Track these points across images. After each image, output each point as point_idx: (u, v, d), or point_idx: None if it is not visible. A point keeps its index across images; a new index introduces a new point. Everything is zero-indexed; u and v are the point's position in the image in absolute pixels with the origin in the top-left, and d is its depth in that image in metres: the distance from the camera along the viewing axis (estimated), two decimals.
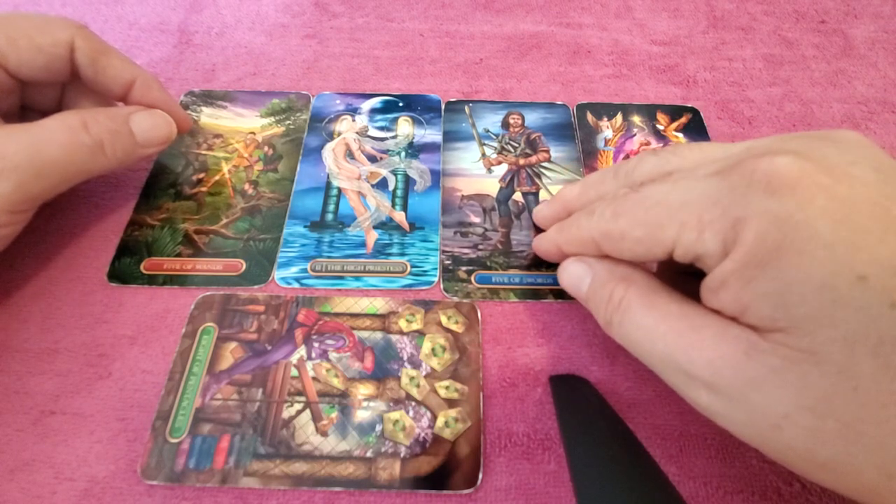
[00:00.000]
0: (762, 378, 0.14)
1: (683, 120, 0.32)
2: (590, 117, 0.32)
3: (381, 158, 0.30)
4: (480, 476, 0.20)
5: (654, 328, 0.17)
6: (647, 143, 0.30)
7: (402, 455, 0.21)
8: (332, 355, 0.23)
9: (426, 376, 0.22)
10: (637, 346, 0.18)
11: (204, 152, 0.29)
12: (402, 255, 0.26)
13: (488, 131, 0.31)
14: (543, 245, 0.24)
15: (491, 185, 0.29)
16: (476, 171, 0.29)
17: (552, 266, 0.26)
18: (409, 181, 0.29)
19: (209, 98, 0.32)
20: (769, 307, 0.14)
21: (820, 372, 0.14)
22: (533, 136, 0.31)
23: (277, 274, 0.25)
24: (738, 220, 0.15)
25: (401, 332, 0.23)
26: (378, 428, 0.21)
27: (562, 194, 0.24)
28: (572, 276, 0.21)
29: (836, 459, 0.14)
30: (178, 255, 0.25)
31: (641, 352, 0.18)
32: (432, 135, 0.31)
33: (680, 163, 0.19)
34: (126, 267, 0.25)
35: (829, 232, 0.13)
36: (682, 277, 0.20)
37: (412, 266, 0.25)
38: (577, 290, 0.21)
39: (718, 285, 0.16)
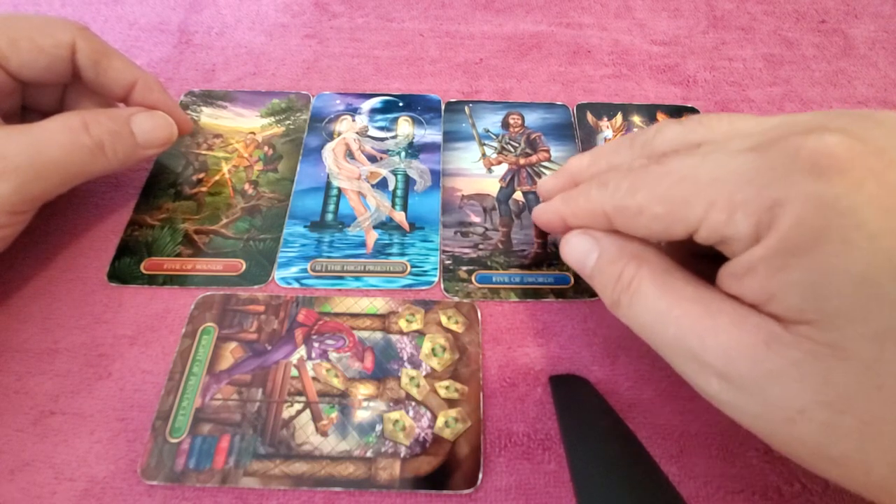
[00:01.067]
0: (781, 370, 0.14)
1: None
2: (590, 117, 0.32)
3: (381, 158, 0.30)
4: (480, 476, 0.20)
5: (666, 312, 0.16)
6: None
7: (402, 455, 0.21)
8: (332, 355, 0.23)
9: (426, 376, 0.22)
10: (646, 330, 0.17)
11: (204, 152, 0.29)
12: (402, 255, 0.26)
13: (488, 131, 0.31)
14: (545, 215, 0.22)
15: (491, 185, 0.29)
16: (476, 171, 0.29)
17: (553, 265, 0.26)
18: (409, 181, 0.29)
19: (209, 98, 0.32)
20: (799, 298, 0.13)
21: (845, 368, 0.13)
22: (533, 136, 0.31)
23: (277, 274, 0.25)
24: (776, 202, 0.14)
25: (401, 332, 0.23)
26: (378, 428, 0.21)
27: (570, 165, 0.22)
28: (576, 249, 0.20)
29: (848, 456, 0.14)
30: (178, 255, 0.25)
31: (650, 335, 0.17)
32: (432, 135, 0.31)
33: (708, 134, 0.17)
34: (126, 267, 0.25)
35: (875, 221, 0.12)
36: (691, 259, 0.19)
37: (412, 266, 0.25)
38: (581, 266, 0.19)
39: (744, 271, 0.15)
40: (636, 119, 0.31)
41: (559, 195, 0.21)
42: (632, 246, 0.18)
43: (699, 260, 0.18)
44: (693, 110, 0.32)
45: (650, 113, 0.32)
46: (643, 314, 0.17)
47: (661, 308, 0.16)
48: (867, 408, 0.13)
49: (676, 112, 0.32)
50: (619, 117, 0.32)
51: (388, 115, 0.31)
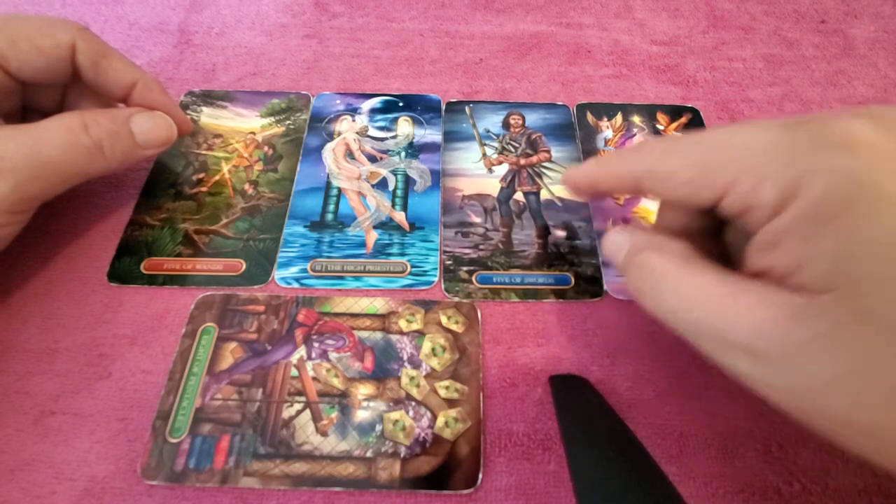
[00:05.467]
0: (809, 342, 0.14)
1: (683, 120, 0.32)
2: (590, 117, 0.32)
3: (381, 158, 0.30)
4: (480, 476, 0.20)
5: (690, 295, 0.17)
6: None
7: (402, 455, 0.21)
8: (332, 355, 0.23)
9: (426, 376, 0.22)
10: (671, 315, 0.17)
11: (204, 152, 0.29)
12: (402, 255, 0.26)
13: (489, 131, 0.31)
14: (575, 179, 0.23)
15: (492, 185, 0.29)
16: (477, 171, 0.29)
17: (554, 266, 0.26)
18: (409, 181, 0.29)
19: (209, 98, 0.32)
20: (829, 264, 0.14)
21: (874, 333, 0.13)
22: (534, 137, 0.31)
23: (277, 274, 0.25)
24: (804, 173, 0.14)
25: (401, 332, 0.23)
26: (378, 428, 0.21)
27: (595, 158, 0.24)
28: (612, 244, 0.20)
29: (880, 425, 0.14)
30: (178, 255, 0.25)
31: (676, 320, 0.17)
32: (432, 135, 0.31)
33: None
34: (126, 267, 0.25)
35: None
36: (706, 249, 0.20)
37: (412, 266, 0.25)
38: (616, 259, 0.20)
39: (773, 240, 0.15)
40: (636, 119, 0.31)
41: (594, 158, 0.23)
42: (658, 238, 0.19)
43: (711, 249, 0.19)
44: (693, 111, 0.32)
45: (650, 113, 0.32)
46: (668, 299, 0.17)
47: (685, 292, 0.17)
48: None
49: (677, 112, 0.32)
50: (619, 117, 0.32)
51: (388, 115, 0.31)
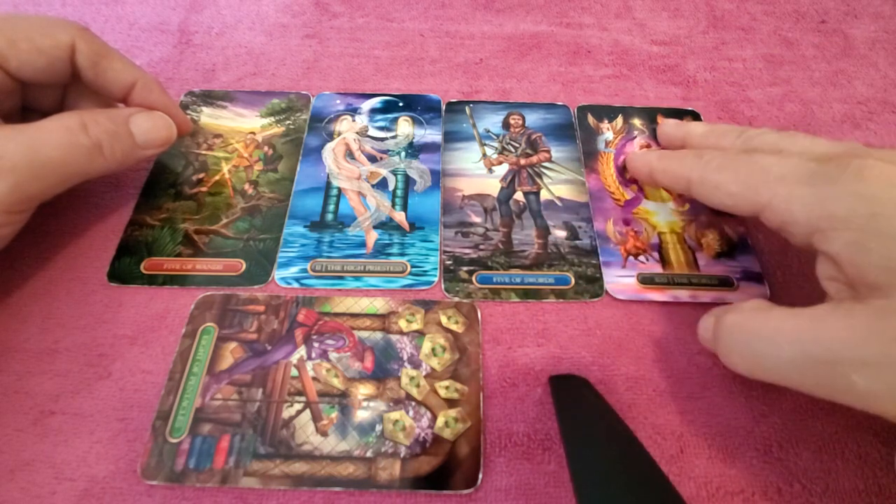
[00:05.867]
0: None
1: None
2: (590, 119, 0.32)
3: (381, 158, 0.30)
4: (480, 476, 0.20)
5: (776, 336, 0.18)
6: (648, 146, 0.30)
7: (402, 455, 0.21)
8: (332, 355, 0.23)
9: (426, 376, 0.22)
10: (764, 362, 0.18)
11: (204, 152, 0.29)
12: (402, 255, 0.26)
13: (489, 131, 0.31)
14: (637, 163, 0.27)
15: (492, 185, 0.29)
16: (477, 171, 0.29)
17: (553, 266, 0.26)
18: (409, 181, 0.29)
19: (209, 98, 0.32)
20: (877, 267, 0.16)
21: None
22: (534, 137, 0.31)
23: (277, 274, 0.25)
24: (826, 197, 0.18)
25: (401, 332, 0.23)
26: (378, 428, 0.21)
27: (690, 127, 0.27)
28: (702, 330, 0.22)
29: None
30: (178, 255, 0.25)
31: (770, 366, 0.18)
32: (432, 135, 0.31)
33: (790, 145, 0.22)
34: (126, 267, 0.25)
35: None
36: None
37: (412, 266, 0.25)
38: (706, 340, 0.21)
39: (834, 258, 0.18)
40: (636, 122, 0.31)
41: (657, 151, 0.27)
42: (733, 304, 0.21)
43: None
44: (694, 113, 0.32)
45: (651, 115, 0.32)
46: (756, 347, 0.18)
47: (769, 335, 0.18)
48: None
49: (677, 115, 0.32)
50: (619, 119, 0.32)
51: (388, 115, 0.31)
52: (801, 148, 0.21)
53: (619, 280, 0.25)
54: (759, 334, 0.18)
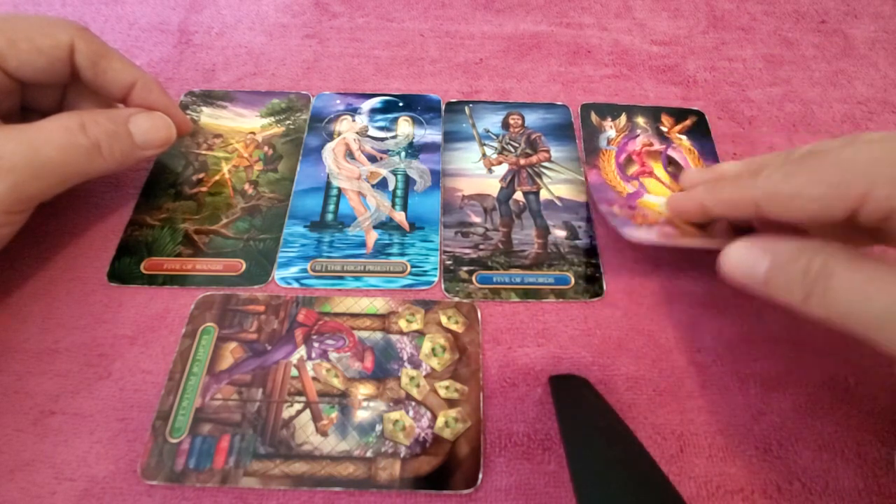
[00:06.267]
0: None
1: (688, 122, 0.31)
2: (594, 117, 0.32)
3: (381, 158, 0.30)
4: (480, 476, 0.20)
5: (869, 288, 0.16)
6: (650, 144, 0.30)
7: (402, 455, 0.21)
8: (332, 355, 0.23)
9: (426, 376, 0.22)
10: (849, 313, 0.17)
11: (204, 152, 0.29)
12: (402, 255, 0.26)
13: (489, 131, 0.31)
14: (683, 203, 0.24)
15: (491, 185, 0.29)
16: (477, 171, 0.29)
17: (554, 266, 0.26)
18: (409, 181, 0.29)
19: (209, 98, 0.32)
20: None
21: None
22: (533, 137, 0.31)
23: (277, 274, 0.25)
24: None
25: (401, 332, 0.23)
26: (378, 428, 0.21)
27: (719, 167, 0.25)
28: (743, 261, 0.20)
29: None
30: (178, 255, 0.25)
31: (855, 318, 0.17)
32: (432, 135, 0.31)
33: (851, 139, 0.19)
34: (126, 267, 0.25)
35: None
36: None
37: (412, 266, 0.25)
38: (751, 274, 0.20)
39: None
40: (640, 120, 0.31)
41: (702, 185, 0.23)
42: (811, 243, 0.19)
43: None
44: (699, 113, 0.32)
45: (654, 114, 0.32)
46: (843, 297, 0.17)
47: (862, 286, 0.17)
48: None
49: (681, 114, 0.32)
50: (622, 118, 0.31)
51: (388, 115, 0.31)
52: (864, 138, 0.19)
53: (636, 234, 0.24)
54: (849, 286, 0.17)
